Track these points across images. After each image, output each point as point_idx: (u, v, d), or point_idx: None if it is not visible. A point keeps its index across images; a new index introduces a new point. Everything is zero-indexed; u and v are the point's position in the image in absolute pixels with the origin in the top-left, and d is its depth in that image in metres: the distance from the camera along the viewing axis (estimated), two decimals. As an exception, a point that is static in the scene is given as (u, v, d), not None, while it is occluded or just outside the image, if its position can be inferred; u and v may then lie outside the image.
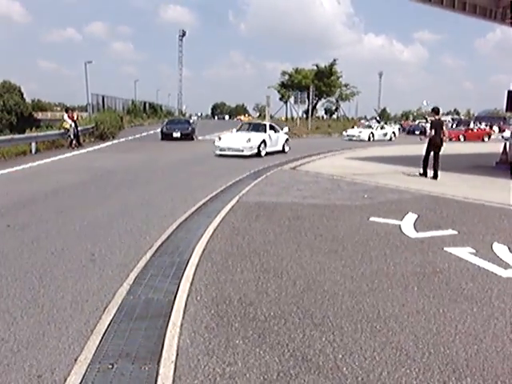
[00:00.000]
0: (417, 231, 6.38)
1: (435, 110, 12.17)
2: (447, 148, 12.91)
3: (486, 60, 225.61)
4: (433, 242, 5.90)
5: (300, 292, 4.19)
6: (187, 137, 26.24)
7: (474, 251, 5.48)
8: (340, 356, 3.10)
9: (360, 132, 32.66)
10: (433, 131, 11.77)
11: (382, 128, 34.70)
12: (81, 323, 3.50)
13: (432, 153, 11.96)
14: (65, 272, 4.62)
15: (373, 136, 32.19)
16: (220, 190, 9.58)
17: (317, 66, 57.60)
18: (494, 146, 22.85)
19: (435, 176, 11.79)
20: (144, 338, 3.29)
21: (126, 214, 7.35)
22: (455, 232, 6.35)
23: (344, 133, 33.79)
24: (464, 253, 5.43)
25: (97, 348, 3.11)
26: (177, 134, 25.93)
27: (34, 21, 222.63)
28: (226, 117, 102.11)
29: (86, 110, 40.27)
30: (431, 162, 12.05)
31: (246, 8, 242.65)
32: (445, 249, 5.57)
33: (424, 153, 12.24)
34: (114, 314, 3.64)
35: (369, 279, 4.54)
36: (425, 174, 12.16)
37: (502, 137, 42.31)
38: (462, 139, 35.64)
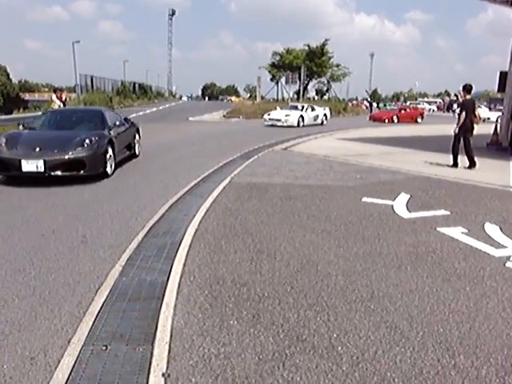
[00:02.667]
0: (409, 211, 6.38)
1: (467, 89, 10.30)
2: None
3: (477, 41, 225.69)
4: (425, 222, 5.91)
5: (294, 272, 4.18)
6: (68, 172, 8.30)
7: (467, 231, 5.50)
8: (335, 335, 3.10)
9: (287, 115, 24.61)
10: (464, 113, 10.13)
11: (312, 110, 26.84)
12: (73, 305, 3.47)
13: (462, 138, 10.32)
14: (56, 254, 4.57)
15: (303, 120, 24.92)
16: (211, 171, 9.51)
17: (308, 46, 56.99)
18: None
19: (472, 164, 10.34)
20: (137, 319, 3.26)
21: (116, 195, 7.27)
22: (447, 212, 6.36)
23: (266, 116, 25.58)
24: (456, 233, 5.45)
25: (90, 329, 3.08)
26: (30, 167, 7.75)
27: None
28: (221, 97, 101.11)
29: (75, 91, 39.72)
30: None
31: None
32: (437, 229, 5.58)
33: (452, 139, 10.52)
34: (107, 296, 3.61)
35: (362, 259, 4.54)
36: (455, 164, 10.49)
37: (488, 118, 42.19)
38: (396, 120, 31.78)
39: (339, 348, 2.95)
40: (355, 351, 2.91)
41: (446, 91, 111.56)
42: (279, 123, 24.13)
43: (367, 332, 3.16)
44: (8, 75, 41.85)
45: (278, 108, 27.69)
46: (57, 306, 3.44)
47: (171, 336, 3.04)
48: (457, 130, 10.09)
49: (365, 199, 7.08)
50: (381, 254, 4.71)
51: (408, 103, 57.06)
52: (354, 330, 3.17)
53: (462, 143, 10.32)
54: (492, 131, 15.34)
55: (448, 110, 55.85)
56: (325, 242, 5.02)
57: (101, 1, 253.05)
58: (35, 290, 3.72)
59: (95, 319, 3.23)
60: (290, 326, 3.21)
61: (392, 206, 6.69)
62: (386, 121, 31.37)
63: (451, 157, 10.55)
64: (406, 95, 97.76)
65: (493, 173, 10.00)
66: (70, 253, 4.62)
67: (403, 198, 7.19)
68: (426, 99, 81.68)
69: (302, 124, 24.56)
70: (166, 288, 3.77)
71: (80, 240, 5.01)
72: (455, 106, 56.40)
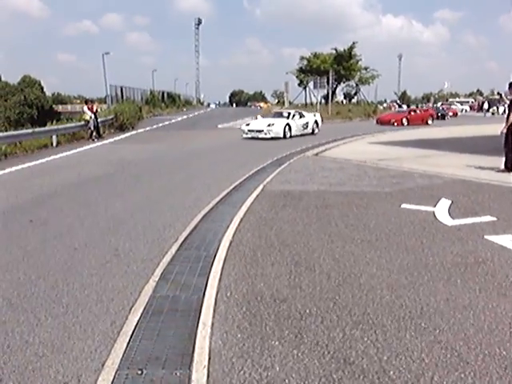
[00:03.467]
0: (452, 218, 6.05)
1: None
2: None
3: (510, 37, 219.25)
4: (471, 229, 5.58)
5: (335, 286, 3.95)
6: None
7: (517, 239, 5.15)
8: (385, 358, 2.86)
9: (270, 125, 19.55)
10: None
11: (301, 117, 21.75)
12: (107, 324, 3.32)
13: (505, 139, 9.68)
14: (89, 269, 4.46)
15: (290, 129, 20.06)
16: (244, 179, 9.36)
17: (335, 49, 56.60)
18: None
19: (508, 168, 9.67)
20: (173, 339, 3.09)
21: (149, 205, 7.18)
22: (494, 218, 6.00)
23: (244, 127, 20.39)
24: (507, 241, 5.10)
25: (124, 351, 2.93)
26: None
27: (51, 15, 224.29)
28: (249, 104, 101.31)
29: (105, 102, 40.39)
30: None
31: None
32: (485, 237, 5.25)
33: (503, 142, 9.75)
34: (141, 314, 3.46)
35: (407, 271, 4.27)
36: (510, 169, 9.63)
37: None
38: (406, 123, 30.80)
39: (391, 372, 2.70)
40: (409, 376, 2.66)
41: (478, 90, 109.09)
42: (261, 135, 19.28)
43: (420, 354, 2.90)
44: (42, 89, 42.86)
45: (258, 117, 23.04)
46: (90, 326, 3.30)
47: (209, 358, 2.86)
48: (504, 131, 9.57)
49: (404, 206, 6.78)
50: (427, 265, 4.43)
51: (440, 104, 55.70)
52: (406, 352, 2.92)
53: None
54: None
55: (481, 110, 54.41)
56: (366, 253, 4.77)
57: (129, 13, 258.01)
58: (68, 308, 3.60)
59: (129, 340, 3.07)
60: (335, 347, 2.98)
61: (433, 212, 6.37)
62: (395, 124, 30.11)
63: (503, 160, 9.88)
64: (437, 96, 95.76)
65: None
66: (103, 267, 4.51)
67: (444, 203, 6.86)
68: (457, 99, 79.83)
69: (288, 134, 19.83)
70: (202, 305, 3.59)
71: (112, 254, 4.90)
72: (486, 105, 55.04)
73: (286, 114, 21.48)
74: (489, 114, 49.40)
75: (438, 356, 2.87)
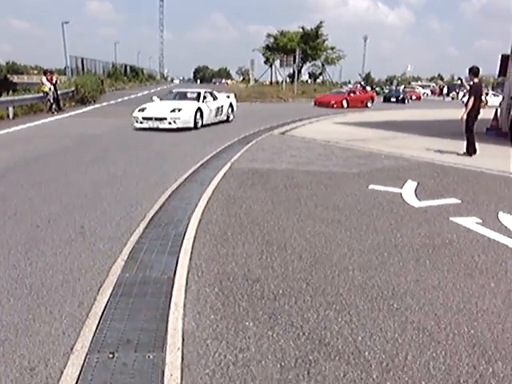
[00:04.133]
0: (419, 200, 6.15)
1: (474, 72, 9.67)
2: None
3: (470, 25, 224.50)
4: (437, 211, 5.69)
5: (307, 266, 3.94)
6: None
7: (481, 221, 5.29)
8: (359, 338, 2.87)
9: (175, 111, 13.87)
10: (472, 98, 9.59)
11: (214, 99, 16.28)
12: (74, 306, 3.19)
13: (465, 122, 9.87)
14: (52, 247, 4.27)
15: (201, 116, 14.71)
16: (210, 156, 9.22)
17: (303, 28, 56.26)
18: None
19: (473, 151, 10.00)
20: (145, 321, 3.00)
21: (113, 182, 6.96)
22: (458, 201, 6.14)
23: (137, 113, 14.05)
24: (471, 223, 5.23)
25: (94, 334, 2.82)
26: None
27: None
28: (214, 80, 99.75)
29: (65, 74, 38.86)
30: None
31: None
32: (450, 218, 5.37)
33: (464, 125, 9.94)
34: (110, 295, 3.34)
35: (378, 252, 4.31)
36: (473, 151, 9.97)
37: (462, 102, 41.15)
38: (346, 105, 28.64)
39: (366, 353, 2.71)
40: (384, 357, 2.69)
41: (439, 75, 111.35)
42: (163, 125, 13.58)
43: (394, 334, 2.93)
44: (-5, 57, 40.89)
45: (155, 98, 15.72)
46: (56, 307, 3.16)
47: (183, 340, 2.79)
48: (465, 117, 9.77)
49: (372, 186, 6.84)
50: (396, 246, 4.48)
51: (402, 87, 56.49)
52: (380, 332, 2.94)
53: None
54: (492, 116, 15.11)
55: (442, 94, 55.70)
56: (336, 233, 4.78)
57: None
58: (32, 289, 3.44)
59: (99, 322, 2.96)
60: (310, 328, 2.97)
61: (400, 194, 6.46)
62: (335, 106, 27.95)
63: (464, 144, 10.13)
64: (400, 79, 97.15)
65: (496, 159, 9.76)
66: (68, 246, 4.34)
67: (411, 185, 6.96)
68: (419, 83, 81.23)
69: (200, 123, 14.48)
70: (173, 285, 3.51)
71: (78, 231, 4.72)
72: (445, 89, 56.29)
73: (194, 95, 15.64)
74: (448, 99, 50.62)
75: (410, 336, 2.90)
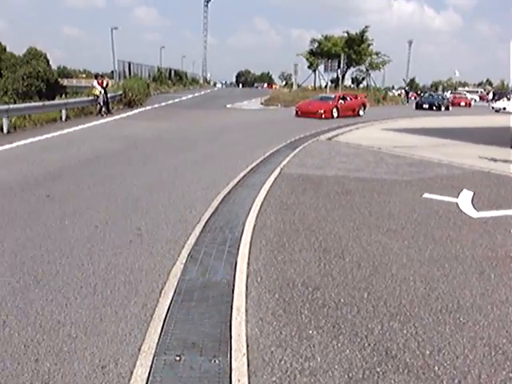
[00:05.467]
0: (477, 210, 5.95)
1: None
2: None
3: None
4: (497, 222, 5.48)
5: (367, 276, 3.86)
6: None
7: (546, 233, 5.06)
8: (427, 352, 2.78)
9: None
10: None
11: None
12: (138, 307, 3.24)
13: None
14: (112, 248, 4.37)
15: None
16: (260, 161, 9.23)
17: (347, 33, 55.62)
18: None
19: None
20: (208, 325, 3.02)
21: (166, 184, 7.07)
22: (519, 212, 5.90)
23: None
24: (535, 235, 5.01)
25: (159, 336, 2.85)
26: None
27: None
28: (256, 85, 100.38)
29: (112, 77, 39.97)
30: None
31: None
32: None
33: None
34: (172, 297, 3.38)
35: (438, 263, 4.18)
36: None
37: (492, 107, 37.59)
38: (336, 114, 21.99)
39: (436, 368, 2.63)
40: (455, 373, 2.59)
41: (487, 80, 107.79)
42: None
43: (463, 350, 2.82)
44: (48, 62, 42.37)
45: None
46: (121, 308, 3.22)
47: (247, 346, 2.79)
48: None
49: (426, 195, 6.66)
50: (457, 257, 4.34)
51: (449, 92, 55.00)
52: (448, 347, 2.84)
53: None
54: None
55: (492, 101, 53.80)
56: (393, 243, 4.68)
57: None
58: (96, 289, 3.52)
59: (163, 324, 2.99)
60: (375, 339, 2.91)
61: (457, 203, 6.26)
62: (323, 116, 21.32)
63: None
64: (445, 84, 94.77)
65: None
66: (127, 247, 4.42)
67: (467, 194, 6.74)
68: (466, 88, 78.94)
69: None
70: (233, 290, 3.52)
71: (136, 233, 4.81)
72: (490, 95, 54.26)
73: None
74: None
75: (482, 353, 2.79)
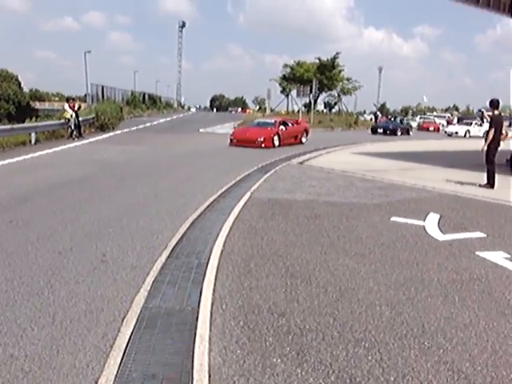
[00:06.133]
0: (443, 233, 6.04)
1: (494, 104, 9.66)
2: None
3: (485, 57, 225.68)
4: (462, 245, 5.57)
5: (333, 301, 3.85)
6: None
7: (509, 256, 5.16)
8: (392, 379, 2.76)
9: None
10: (493, 129, 9.59)
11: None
12: (98, 337, 3.14)
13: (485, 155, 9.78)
14: (75, 275, 4.26)
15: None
16: (230, 185, 9.22)
17: (319, 59, 57.03)
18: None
19: (490, 184, 9.85)
20: (170, 354, 2.94)
21: (135, 210, 6.98)
22: (483, 234, 6.02)
23: None
24: (498, 258, 5.10)
25: (119, 367, 2.76)
26: None
27: (31, 9, 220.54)
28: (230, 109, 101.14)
29: (85, 101, 39.69)
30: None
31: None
32: (477, 253, 5.25)
33: (485, 157, 9.83)
34: (134, 326, 3.29)
35: (404, 287, 4.20)
36: (492, 185, 9.81)
37: (445, 132, 39.70)
38: (277, 142, 18.94)
39: (400, 395, 2.61)
40: (418, 399, 2.57)
41: (454, 105, 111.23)
42: None
43: (427, 375, 2.81)
44: (19, 84, 41.81)
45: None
46: (80, 339, 3.11)
47: (209, 376, 2.72)
48: (485, 148, 9.70)
49: (394, 219, 6.75)
50: (423, 280, 4.37)
51: (418, 117, 56.42)
52: (413, 373, 2.83)
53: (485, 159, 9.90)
54: (512, 148, 14.94)
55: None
56: (361, 267, 4.69)
57: (111, 12, 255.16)
58: (55, 319, 3.40)
59: (123, 355, 2.90)
60: (339, 366, 2.88)
61: (423, 226, 6.35)
62: (263, 145, 18.12)
63: (485, 175, 10.01)
64: (415, 109, 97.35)
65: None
66: (90, 274, 4.31)
67: (433, 217, 6.85)
68: (434, 113, 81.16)
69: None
70: (197, 317, 3.45)
71: (100, 260, 4.70)
72: (455, 120, 56.07)
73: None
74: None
75: (446, 378, 2.79)
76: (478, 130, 36.28)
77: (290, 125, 20.97)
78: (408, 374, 2.82)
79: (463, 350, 3.13)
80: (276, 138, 18.84)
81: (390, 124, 36.61)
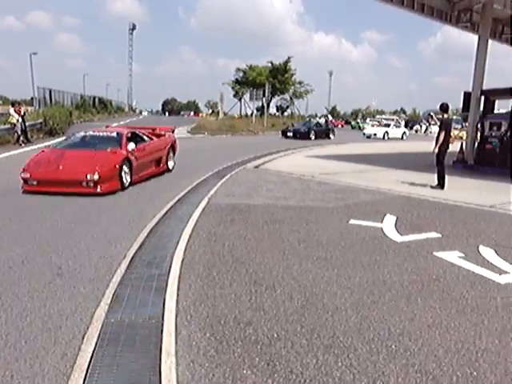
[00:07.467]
0: (400, 234, 6.17)
1: (444, 108, 10.11)
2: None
3: (428, 62, 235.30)
4: (420, 246, 5.70)
5: (299, 308, 3.82)
6: None
7: (463, 255, 5.32)
8: (363, 385, 2.76)
9: None
10: (443, 132, 9.90)
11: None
12: (57, 357, 2.96)
13: (436, 157, 10.13)
14: (29, 291, 4.02)
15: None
16: (187, 191, 9.08)
17: (271, 63, 57.70)
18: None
19: (441, 185, 10.21)
20: (136, 371, 2.81)
21: (90, 218, 6.72)
22: (439, 235, 6.19)
23: None
24: (454, 257, 5.25)
25: (81, 389, 2.61)
26: None
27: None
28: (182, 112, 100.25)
29: (32, 105, 38.20)
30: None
31: (196, 4, 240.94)
32: (434, 253, 5.38)
33: (435, 159, 10.17)
34: (96, 343, 3.13)
35: (368, 290, 4.24)
36: (442, 185, 10.16)
37: (364, 133, 38.29)
38: (129, 178, 9.47)
39: (372, 401, 2.60)
40: (390, 404, 2.58)
41: (401, 109, 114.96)
42: None
43: (397, 379, 2.83)
44: (-41, 88, 39.90)
45: None
46: (37, 360, 2.92)
47: (179, 393, 2.62)
48: (436, 150, 10.03)
49: (352, 221, 6.83)
50: (385, 283, 4.43)
51: (368, 120, 57.91)
52: (382, 377, 2.84)
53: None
54: (458, 149, 15.57)
55: (406, 128, 57.44)
56: (324, 271, 4.70)
57: (58, 13, 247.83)
58: (8, 340, 3.19)
59: (85, 375, 2.75)
60: (310, 375, 2.85)
61: (381, 228, 6.47)
62: (99, 188, 8.50)
63: (435, 177, 10.35)
64: (364, 112, 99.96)
65: (467, 192, 10.02)
66: (45, 289, 4.09)
67: (390, 219, 6.99)
68: (383, 116, 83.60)
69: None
70: (162, 331, 3.33)
71: (55, 273, 4.48)
72: (402, 123, 58.07)
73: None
74: (412, 132, 52.26)
75: (414, 380, 2.81)
76: (396, 131, 37.36)
77: (146, 139, 11.22)
78: (378, 378, 2.83)
79: (429, 351, 3.18)
80: (126, 168, 9.36)
81: (300, 127, 33.02)
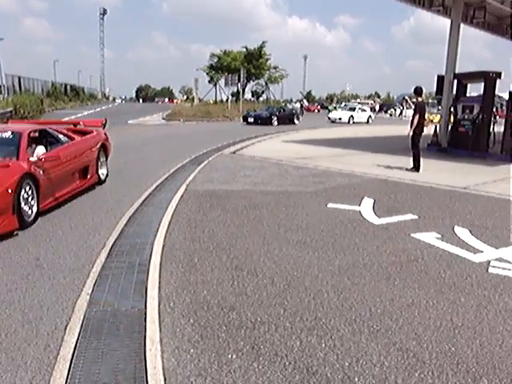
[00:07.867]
0: (378, 217, 6.26)
1: (418, 91, 10.31)
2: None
3: (401, 46, 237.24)
4: (397, 227, 5.80)
5: (281, 291, 3.86)
6: None
7: (440, 236, 5.44)
8: (347, 364, 2.81)
9: None
10: (417, 115, 10.08)
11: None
12: (40, 349, 2.93)
13: (411, 139, 10.31)
14: (7, 283, 3.95)
15: None
16: (165, 178, 9.02)
17: (246, 48, 57.17)
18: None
19: (416, 167, 10.37)
20: (121, 360, 2.80)
21: (66, 209, 6.61)
22: (415, 216, 6.31)
23: None
24: (431, 238, 5.37)
25: (66, 381, 2.59)
26: None
27: None
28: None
29: (0, 93, 37.16)
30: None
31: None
32: (411, 235, 5.48)
33: (410, 142, 10.35)
34: (79, 333, 3.10)
35: (348, 272, 4.30)
36: (418, 168, 10.31)
37: (329, 118, 36.76)
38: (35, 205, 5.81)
39: (356, 379, 2.66)
40: (374, 381, 2.64)
41: (376, 93, 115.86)
42: None
43: (379, 357, 2.89)
44: None
45: None
46: (19, 354, 2.88)
47: (165, 380, 2.62)
48: (411, 133, 10.17)
49: (330, 205, 6.90)
50: (365, 265, 4.50)
51: (343, 104, 58.25)
52: (366, 356, 2.90)
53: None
54: (432, 132, 15.81)
55: (380, 111, 58.15)
56: (304, 255, 4.75)
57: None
58: (-11, 332, 3.14)
59: (70, 366, 2.73)
60: (295, 357, 2.89)
61: (360, 211, 6.55)
62: None
63: (410, 160, 10.53)
64: (339, 96, 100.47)
65: (441, 174, 10.24)
66: (24, 280, 4.03)
67: (368, 202, 7.09)
68: (358, 100, 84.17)
69: None
70: (145, 319, 3.32)
71: (34, 264, 4.40)
72: (377, 107, 58.64)
73: None
74: (387, 116, 52.83)
75: (396, 358, 2.88)
76: (362, 115, 36.33)
77: (63, 140, 7.46)
78: (361, 357, 2.89)
79: (409, 329, 3.26)
80: (27, 191, 5.59)
81: (262, 112, 31.69)
